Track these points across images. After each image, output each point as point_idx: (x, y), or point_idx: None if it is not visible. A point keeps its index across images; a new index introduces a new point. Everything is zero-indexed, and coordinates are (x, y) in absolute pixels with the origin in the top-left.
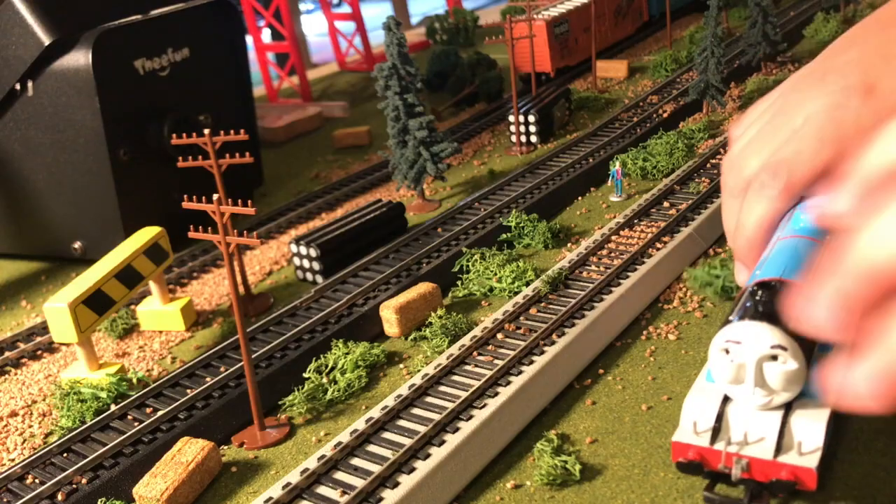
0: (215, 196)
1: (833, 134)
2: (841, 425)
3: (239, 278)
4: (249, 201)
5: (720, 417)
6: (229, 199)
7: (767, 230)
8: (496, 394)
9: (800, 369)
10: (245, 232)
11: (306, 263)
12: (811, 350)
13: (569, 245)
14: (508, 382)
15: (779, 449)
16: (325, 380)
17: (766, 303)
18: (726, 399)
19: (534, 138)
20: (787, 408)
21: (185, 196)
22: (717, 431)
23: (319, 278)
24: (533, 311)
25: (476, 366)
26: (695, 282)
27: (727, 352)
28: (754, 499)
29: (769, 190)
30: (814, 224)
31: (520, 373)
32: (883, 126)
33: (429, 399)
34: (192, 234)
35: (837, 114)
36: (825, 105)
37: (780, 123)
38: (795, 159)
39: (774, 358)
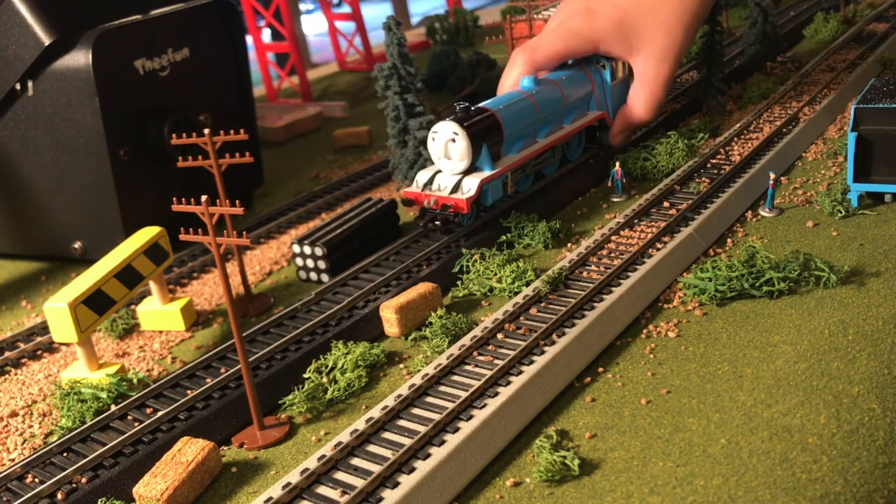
0: (204, 197)
1: (563, 34)
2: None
3: (239, 279)
4: (238, 201)
5: (431, 180)
6: (227, 200)
7: (515, 85)
8: (496, 394)
9: (467, 147)
10: (235, 232)
11: (310, 263)
12: (481, 139)
13: (569, 245)
14: (508, 382)
15: (452, 192)
16: (325, 379)
17: (464, 113)
18: (438, 171)
19: None
20: (463, 174)
21: (175, 199)
22: (427, 185)
23: (325, 277)
24: (533, 311)
25: (476, 366)
26: (688, 289)
27: (433, 140)
28: (438, 217)
29: (519, 60)
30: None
31: (520, 373)
32: (597, 32)
33: (429, 399)
34: (182, 237)
35: (568, 23)
36: (563, 18)
37: (550, 22)
38: (538, 45)
39: (453, 140)
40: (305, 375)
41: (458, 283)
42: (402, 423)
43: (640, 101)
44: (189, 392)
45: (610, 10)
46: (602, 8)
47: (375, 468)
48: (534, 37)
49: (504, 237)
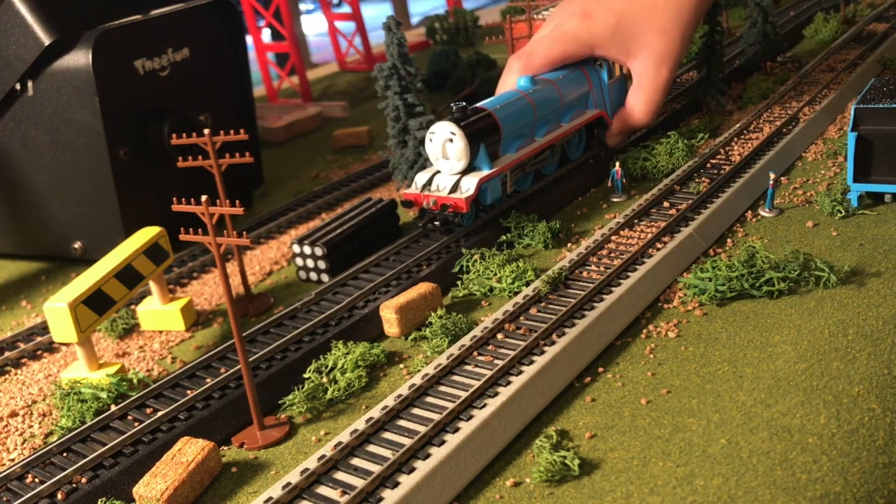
0: (204, 197)
1: (559, 38)
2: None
3: (239, 279)
4: (238, 201)
5: (430, 181)
6: (227, 200)
7: (513, 86)
8: (496, 394)
9: (464, 147)
10: (235, 232)
11: (310, 263)
12: (478, 138)
13: (569, 245)
14: (508, 382)
15: (451, 192)
16: (325, 379)
17: (461, 113)
18: (437, 172)
19: None
20: (461, 174)
21: (175, 199)
22: (425, 186)
23: (325, 277)
24: (533, 311)
25: (476, 366)
26: (688, 289)
27: (430, 140)
28: (438, 217)
29: (515, 67)
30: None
31: (520, 373)
32: (593, 36)
33: (429, 399)
34: (182, 237)
35: (564, 26)
36: (558, 22)
37: (544, 27)
38: (533, 50)
39: (451, 140)
40: (305, 375)
41: (458, 283)
42: (402, 423)
43: (639, 107)
44: (189, 392)
45: (606, 13)
46: (598, 12)
47: (375, 468)
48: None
49: (504, 237)
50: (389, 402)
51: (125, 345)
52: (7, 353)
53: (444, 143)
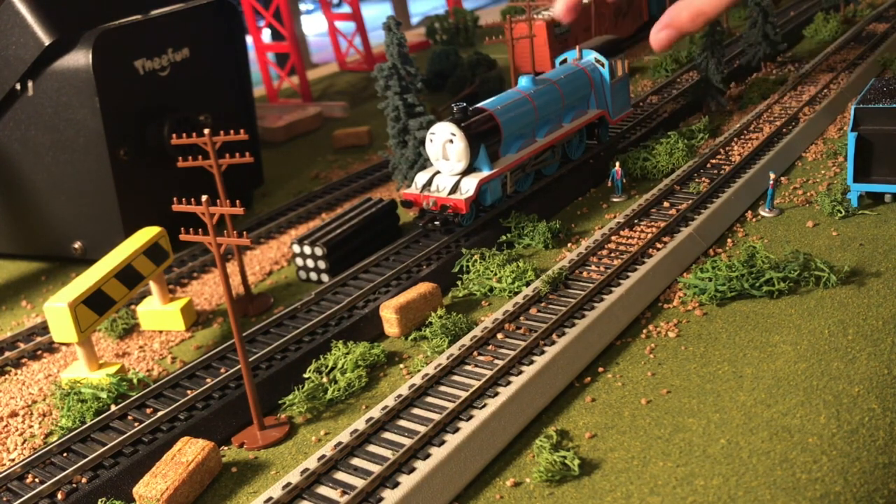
0: (204, 197)
1: None
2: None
3: (239, 279)
4: (238, 201)
5: (430, 181)
6: (227, 200)
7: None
8: (496, 394)
9: (464, 148)
10: (235, 232)
11: (310, 263)
12: (478, 139)
13: (569, 245)
14: (508, 382)
15: (450, 193)
16: (325, 379)
17: (461, 113)
18: (437, 172)
19: None
20: (461, 175)
21: (175, 199)
22: (425, 186)
23: (325, 277)
24: (533, 311)
25: (476, 366)
26: (688, 289)
27: (431, 141)
28: (438, 217)
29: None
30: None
31: (520, 373)
32: None
33: (429, 399)
34: (182, 237)
35: None
36: None
37: None
38: None
39: (451, 141)
40: (305, 375)
41: (458, 283)
42: (402, 423)
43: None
44: (189, 392)
45: None
46: None
47: (375, 468)
48: (534, 37)
49: (504, 237)
50: (389, 402)
51: (125, 345)
52: (7, 353)
53: (445, 144)
